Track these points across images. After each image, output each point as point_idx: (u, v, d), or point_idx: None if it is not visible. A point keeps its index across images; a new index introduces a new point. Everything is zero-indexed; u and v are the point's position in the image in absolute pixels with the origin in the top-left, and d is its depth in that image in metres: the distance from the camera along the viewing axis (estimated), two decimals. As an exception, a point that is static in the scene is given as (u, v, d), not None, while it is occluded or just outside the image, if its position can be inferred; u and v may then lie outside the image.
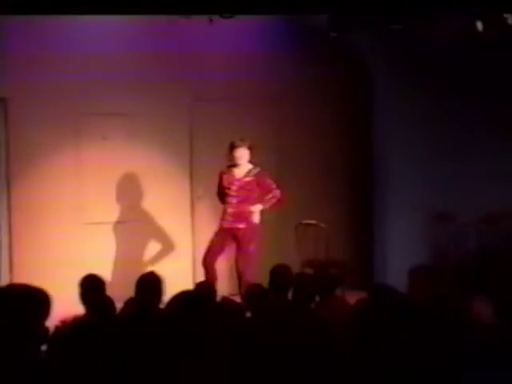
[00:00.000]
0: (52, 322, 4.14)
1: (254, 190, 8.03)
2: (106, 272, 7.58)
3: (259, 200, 8.04)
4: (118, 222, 8.92)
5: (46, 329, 4.02)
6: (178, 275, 7.27)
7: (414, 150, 9.33)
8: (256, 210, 8.00)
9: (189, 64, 8.97)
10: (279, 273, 6.17)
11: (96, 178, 8.77)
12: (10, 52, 8.34)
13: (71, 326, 4.20)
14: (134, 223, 8.98)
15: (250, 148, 8.02)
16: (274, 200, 8.08)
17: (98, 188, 8.80)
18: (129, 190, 8.98)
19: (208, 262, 8.04)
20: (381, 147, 9.60)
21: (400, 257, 8.87)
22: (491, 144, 9.35)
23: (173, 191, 9.15)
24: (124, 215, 8.94)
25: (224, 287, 7.97)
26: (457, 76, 9.22)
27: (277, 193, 8.09)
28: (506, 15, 7.06)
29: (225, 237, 8.09)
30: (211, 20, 7.08)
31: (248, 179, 8.03)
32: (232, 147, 8.03)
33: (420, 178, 9.29)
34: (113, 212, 8.92)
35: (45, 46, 8.47)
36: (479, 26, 7.23)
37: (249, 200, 8.01)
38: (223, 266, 8.40)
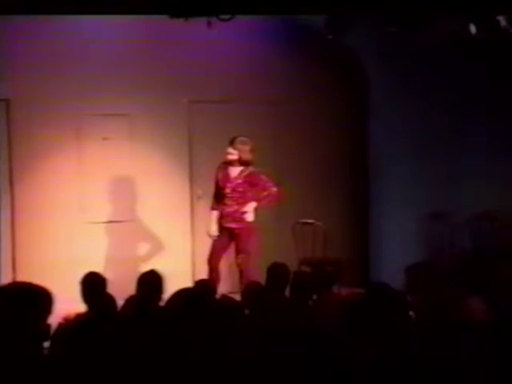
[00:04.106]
0: (54, 319, 4.16)
1: (248, 190, 8.02)
2: (107, 270, 7.60)
3: (254, 198, 8.03)
4: (118, 222, 8.94)
5: (49, 326, 4.03)
6: (178, 274, 7.29)
7: (410, 149, 9.35)
8: (249, 209, 7.98)
9: (188, 65, 8.99)
10: (277, 271, 6.22)
11: (97, 177, 8.79)
12: (11, 53, 8.34)
13: (73, 324, 4.24)
14: (135, 223, 9.02)
15: (241, 151, 7.96)
16: (269, 197, 8.06)
17: (98, 188, 8.82)
18: (129, 190, 9.00)
19: (213, 261, 8.07)
20: (377, 147, 9.63)
21: (396, 255, 8.90)
22: (485, 143, 9.40)
23: (172, 191, 9.18)
24: (124, 215, 8.96)
25: (223, 285, 7.98)
26: (451, 77, 9.26)
27: (273, 190, 8.04)
28: (498, 17, 7.08)
29: (225, 236, 8.11)
30: (209, 23, 7.09)
31: (239, 181, 8.01)
32: (229, 142, 8.05)
33: (415, 177, 9.31)
34: (113, 211, 8.94)
35: (46, 47, 8.49)
36: (472, 28, 7.25)
37: (243, 200, 8.00)
38: (222, 264, 8.43)
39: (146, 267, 5.96)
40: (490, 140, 9.38)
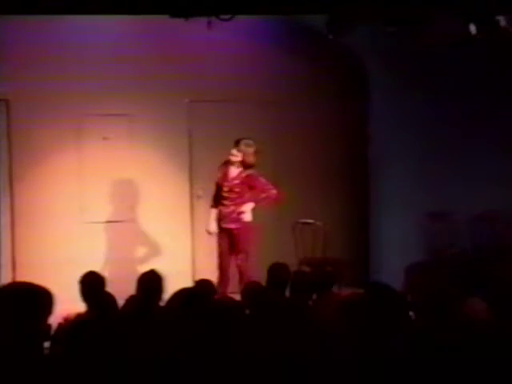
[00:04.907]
0: (54, 319, 4.18)
1: (245, 190, 8.03)
2: (106, 270, 7.63)
3: (252, 199, 8.04)
4: (118, 222, 8.95)
5: (49, 326, 4.05)
6: (178, 274, 7.29)
7: (410, 149, 9.36)
8: (247, 209, 7.99)
9: (188, 65, 8.99)
10: (277, 271, 6.23)
11: (97, 177, 8.80)
12: (11, 53, 8.35)
13: (74, 324, 4.24)
14: (134, 223, 9.02)
15: (245, 153, 7.97)
16: (268, 199, 8.07)
17: (98, 188, 8.83)
18: (129, 190, 9.01)
19: (224, 265, 8.09)
20: (377, 147, 9.64)
21: (396, 255, 8.92)
22: (485, 143, 9.40)
23: (172, 191, 9.18)
24: (124, 215, 8.97)
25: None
26: (451, 77, 9.26)
27: (272, 192, 8.06)
28: (498, 17, 7.09)
29: (226, 237, 8.13)
30: (209, 23, 7.11)
31: (237, 182, 8.02)
32: (234, 143, 8.05)
33: (415, 177, 9.32)
34: (113, 211, 8.94)
35: (46, 47, 8.50)
36: (472, 28, 7.26)
37: (240, 201, 8.02)
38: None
39: (145, 267, 5.95)
40: (491, 140, 9.38)
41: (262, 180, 8.10)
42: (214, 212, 8.19)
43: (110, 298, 5.69)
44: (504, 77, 9.18)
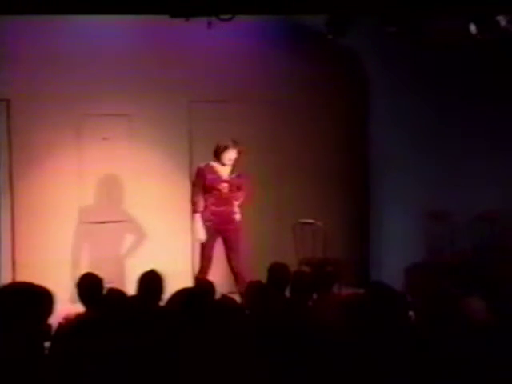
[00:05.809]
0: (55, 319, 4.18)
1: (237, 189, 8.08)
2: (106, 270, 7.61)
3: (235, 198, 8.08)
4: (118, 222, 8.95)
5: (49, 326, 4.06)
6: (178, 274, 7.29)
7: (410, 149, 9.37)
8: (236, 208, 8.06)
9: (188, 65, 9.01)
10: (277, 271, 6.23)
11: (96, 177, 8.81)
12: (12, 54, 8.35)
13: (74, 323, 4.26)
14: (134, 222, 9.03)
15: (239, 152, 8.00)
16: (246, 198, 8.11)
17: (98, 188, 8.84)
18: (129, 190, 9.01)
19: (205, 264, 8.06)
20: (376, 147, 9.65)
21: (396, 255, 8.91)
22: (485, 143, 9.41)
23: (172, 191, 9.18)
24: (124, 215, 8.97)
25: (223, 286, 8.00)
26: (451, 77, 9.28)
27: (247, 189, 8.11)
28: (498, 17, 7.10)
29: (213, 237, 8.09)
30: (210, 23, 7.12)
31: (234, 181, 8.04)
32: (225, 148, 8.00)
33: (415, 177, 9.33)
34: (113, 211, 8.94)
35: (46, 48, 8.50)
36: (473, 28, 7.27)
37: (230, 200, 8.05)
38: (222, 264, 8.42)
39: (145, 267, 5.95)
40: (490, 140, 9.40)
41: (247, 179, 8.15)
42: (199, 217, 8.15)
43: (112, 295, 5.64)
44: (504, 77, 9.18)
